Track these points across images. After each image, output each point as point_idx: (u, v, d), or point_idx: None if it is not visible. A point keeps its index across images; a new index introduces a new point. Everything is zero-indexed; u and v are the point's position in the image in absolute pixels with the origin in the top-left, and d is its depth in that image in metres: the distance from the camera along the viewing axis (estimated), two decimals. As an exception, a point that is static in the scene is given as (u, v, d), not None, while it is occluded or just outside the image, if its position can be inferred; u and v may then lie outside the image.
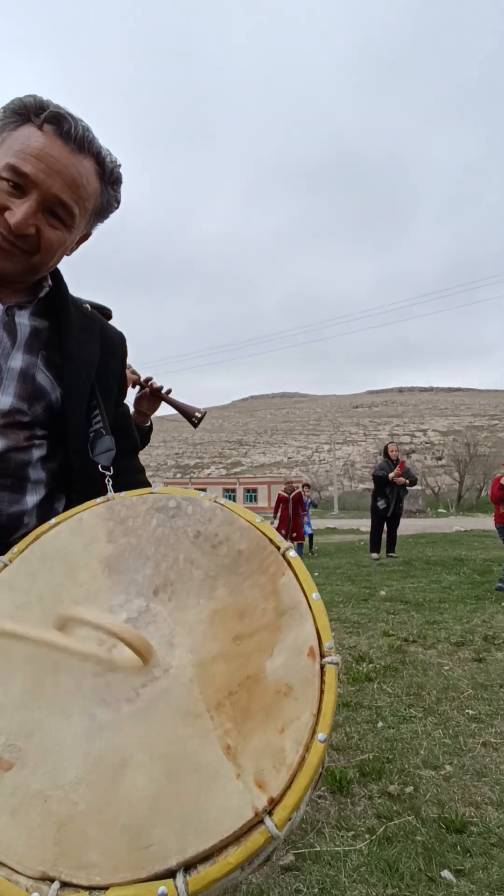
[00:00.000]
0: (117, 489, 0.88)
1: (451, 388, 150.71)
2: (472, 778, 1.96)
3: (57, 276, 0.97)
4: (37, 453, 0.93)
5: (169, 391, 1.84)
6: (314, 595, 0.64)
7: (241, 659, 0.62)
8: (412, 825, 1.69)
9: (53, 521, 0.80)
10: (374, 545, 7.78)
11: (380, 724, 2.40)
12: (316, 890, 1.40)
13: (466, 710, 2.50)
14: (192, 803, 0.53)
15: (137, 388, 1.82)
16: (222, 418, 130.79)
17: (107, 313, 1.80)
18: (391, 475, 7.29)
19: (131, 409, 1.86)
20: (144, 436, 1.89)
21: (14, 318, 0.90)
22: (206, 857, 0.50)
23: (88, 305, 1.07)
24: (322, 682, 0.57)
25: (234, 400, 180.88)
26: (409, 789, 1.89)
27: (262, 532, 0.71)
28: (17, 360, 0.89)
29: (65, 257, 0.93)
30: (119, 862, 0.52)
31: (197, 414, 1.83)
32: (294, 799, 0.51)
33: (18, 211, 0.78)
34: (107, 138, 0.90)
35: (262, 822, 0.50)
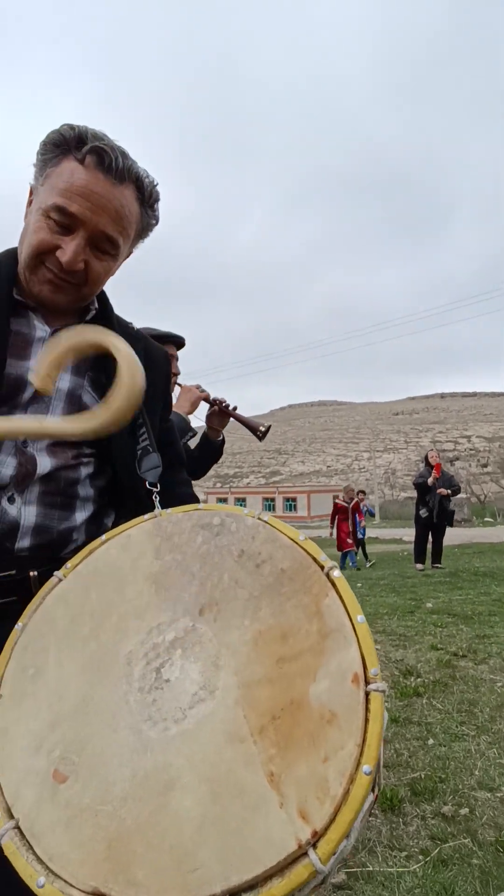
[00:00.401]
0: (165, 503, 0.90)
1: (495, 392, 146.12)
2: (531, 801, 1.89)
3: (102, 298, 1.01)
4: (85, 471, 0.96)
5: (235, 408, 2.01)
6: (359, 617, 0.62)
7: (284, 682, 0.62)
8: (468, 848, 1.63)
9: (104, 537, 0.83)
10: (419, 555, 7.60)
11: (430, 741, 2.34)
12: (369, 911, 1.38)
13: (523, 730, 2.40)
14: (237, 829, 0.53)
15: (208, 406, 1.95)
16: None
17: (179, 342, 1.93)
18: (429, 480, 7.17)
19: (203, 427, 1.97)
20: (218, 449, 2.02)
21: None
22: (249, 886, 0.51)
23: (131, 324, 1.12)
24: (367, 710, 0.56)
25: (273, 409, 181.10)
26: (465, 811, 1.83)
27: (305, 550, 0.70)
28: (65, 382, 0.94)
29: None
30: (167, 883, 0.53)
31: (261, 428, 2.01)
32: (339, 833, 0.51)
33: (68, 249, 0.82)
34: (140, 153, 0.93)
35: (305, 854, 0.50)
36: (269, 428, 2.07)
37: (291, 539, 0.72)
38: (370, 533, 27.46)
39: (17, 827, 0.60)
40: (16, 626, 0.76)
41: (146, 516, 0.83)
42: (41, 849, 0.58)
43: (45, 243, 0.84)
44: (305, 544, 0.71)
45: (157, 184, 0.93)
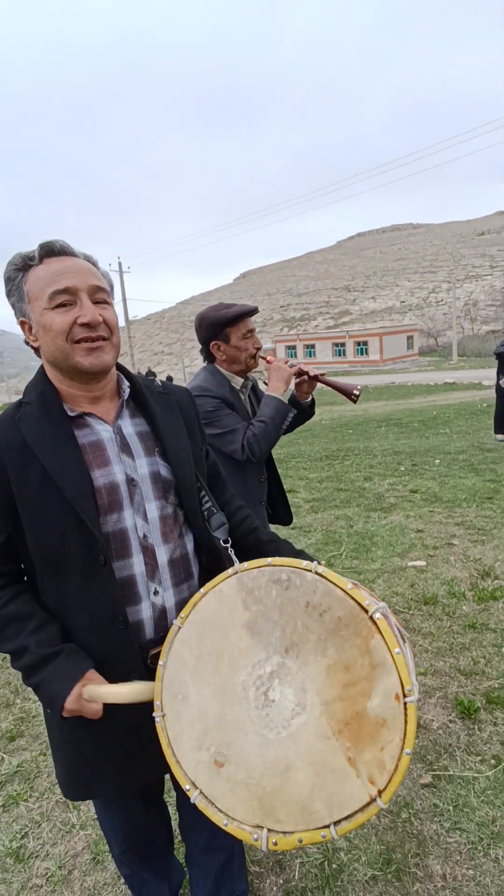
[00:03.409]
0: (231, 533, 1.19)
1: None
2: None
3: (129, 376, 1.17)
4: (189, 545, 1.19)
5: (324, 374, 2.03)
6: (396, 651, 0.93)
7: (350, 700, 0.95)
8: (534, 756, 2.01)
9: (202, 591, 1.08)
10: (499, 425, 7.50)
11: (504, 648, 2.68)
12: (451, 807, 1.81)
13: None
14: (333, 790, 0.93)
15: (297, 376, 2.01)
16: (327, 263, 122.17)
17: (252, 312, 1.99)
18: None
19: (292, 393, 2.04)
20: (308, 409, 2.10)
21: (123, 432, 1.10)
22: (345, 818, 0.92)
23: (159, 382, 1.25)
24: (405, 716, 0.90)
25: (340, 240, 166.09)
26: (533, 720, 2.20)
27: (354, 600, 0.97)
28: (144, 467, 1.11)
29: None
30: (298, 820, 0.95)
31: (355, 392, 2.03)
32: (393, 789, 0.91)
33: (85, 310, 1.01)
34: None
35: (374, 801, 0.91)
36: (361, 390, 2.06)
37: (343, 591, 0.98)
38: (447, 377, 26.60)
39: (202, 793, 1.01)
40: (159, 664, 1.07)
41: (229, 571, 1.06)
42: (220, 805, 1.00)
43: (66, 323, 1.00)
44: (353, 593, 0.97)
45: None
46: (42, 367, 1.10)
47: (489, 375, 22.68)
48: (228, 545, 1.15)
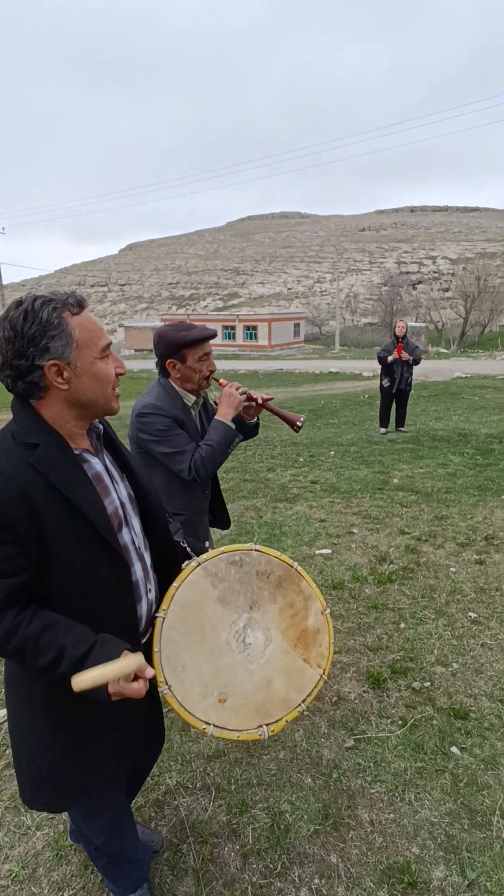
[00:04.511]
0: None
1: (467, 207, 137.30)
2: (472, 674, 2.71)
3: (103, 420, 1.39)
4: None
5: (271, 399, 2.20)
6: (314, 585, 1.55)
7: (297, 625, 1.51)
8: (430, 714, 2.44)
9: (175, 584, 1.41)
10: (384, 420, 8.30)
11: (402, 625, 3.13)
12: (371, 764, 2.16)
13: (469, 613, 3.22)
14: (299, 681, 1.48)
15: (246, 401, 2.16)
16: (217, 243, 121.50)
17: (211, 337, 2.15)
18: (389, 358, 7.60)
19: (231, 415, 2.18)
20: (253, 429, 2.30)
21: (106, 463, 1.30)
22: (308, 694, 1.50)
23: None
24: (328, 622, 1.55)
25: (230, 221, 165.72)
26: (427, 684, 2.64)
27: (284, 562, 1.53)
28: (124, 491, 1.34)
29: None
30: (282, 709, 1.45)
31: (298, 423, 2.20)
32: (328, 667, 1.53)
33: (119, 363, 1.20)
34: None
35: (322, 676, 1.51)
36: (304, 421, 2.23)
37: (276, 557, 1.53)
38: (331, 366, 28.21)
39: (215, 725, 1.36)
40: (154, 651, 1.34)
41: (192, 564, 1.43)
42: (230, 727, 1.38)
43: (112, 372, 1.17)
44: (283, 557, 1.54)
45: None
46: (30, 410, 1.12)
47: (368, 367, 24.52)
48: (185, 545, 1.49)
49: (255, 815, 1.93)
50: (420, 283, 73.35)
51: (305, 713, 2.44)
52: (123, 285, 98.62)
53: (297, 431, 2.24)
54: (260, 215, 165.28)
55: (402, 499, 5.17)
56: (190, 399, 2.10)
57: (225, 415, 2.04)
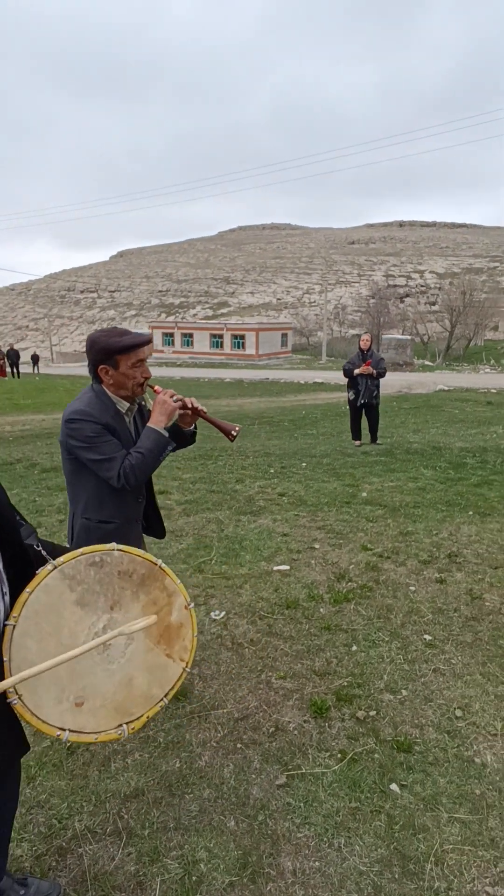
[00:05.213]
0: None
1: (454, 223, 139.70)
2: (421, 702, 2.57)
3: None
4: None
5: (205, 411, 2.20)
6: (178, 581, 1.56)
7: (162, 621, 1.50)
8: (371, 746, 2.29)
9: (28, 590, 1.32)
10: (355, 433, 8.22)
11: (354, 647, 2.99)
12: (301, 804, 2.00)
13: (424, 636, 3.09)
14: (161, 677, 1.51)
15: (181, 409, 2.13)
16: (208, 252, 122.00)
17: (147, 342, 2.12)
18: (355, 371, 7.55)
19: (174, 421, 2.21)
20: (191, 438, 2.27)
21: None
22: (171, 688, 1.54)
23: None
24: (191, 615, 1.59)
25: (221, 231, 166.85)
26: (373, 713, 2.49)
27: (148, 560, 1.51)
28: None
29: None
30: (144, 706, 1.47)
31: (233, 432, 2.19)
32: (191, 659, 1.59)
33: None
34: None
35: (185, 670, 1.57)
36: (239, 430, 2.22)
37: (141, 556, 1.51)
38: (317, 377, 28.25)
39: (71, 731, 1.35)
40: (3, 660, 1.27)
41: (48, 567, 1.35)
42: (88, 730, 1.38)
43: None
44: (146, 556, 1.52)
45: None
46: None
47: (353, 378, 24.61)
48: (41, 548, 1.43)
49: (166, 865, 1.76)
50: (408, 296, 74.11)
51: (239, 746, 2.29)
52: (113, 292, 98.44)
53: (232, 441, 2.22)
54: (251, 226, 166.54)
55: (368, 513, 5.04)
56: (123, 405, 2.05)
57: (158, 422, 1.98)
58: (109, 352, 1.92)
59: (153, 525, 2.39)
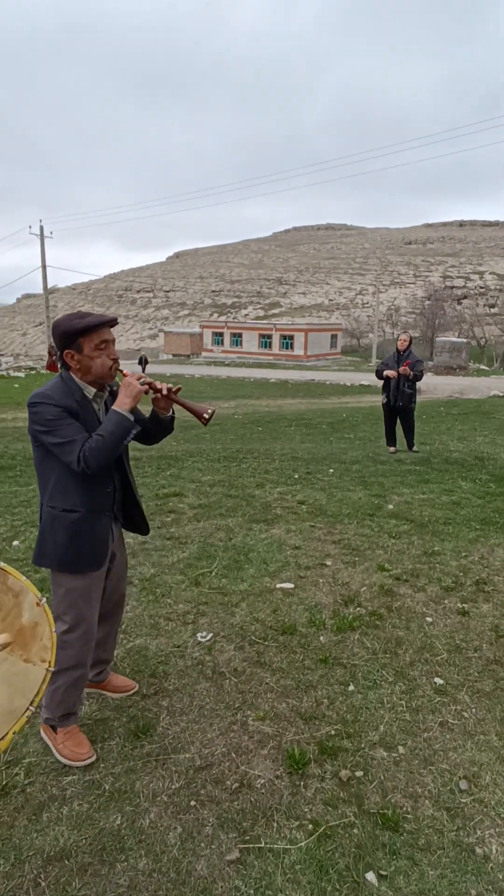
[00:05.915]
0: None
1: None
2: (419, 764, 2.16)
3: None
4: None
5: (178, 390, 2.07)
6: (24, 579, 1.40)
7: (10, 625, 1.36)
8: (351, 819, 1.91)
9: None
10: (389, 439, 7.69)
11: (351, 687, 2.60)
12: (252, 890, 1.66)
13: (435, 679, 2.66)
14: (23, 685, 1.33)
15: (151, 391, 2.02)
16: (262, 253, 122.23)
17: (112, 324, 2.02)
18: (386, 372, 7.06)
19: (152, 410, 2.12)
20: (169, 425, 2.18)
21: None
22: (35, 694, 1.35)
23: None
24: (45, 612, 1.42)
25: (276, 232, 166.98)
26: (359, 773, 2.10)
27: None
28: None
29: None
30: (8, 721, 1.28)
31: (205, 415, 2.04)
32: (54, 656, 1.40)
33: None
34: None
35: (48, 670, 1.38)
36: (213, 413, 2.08)
37: None
38: (361, 379, 27.46)
39: None
40: None
41: None
42: None
43: None
44: None
45: None
46: None
47: (401, 381, 23.70)
48: None
49: None
50: (465, 297, 71.29)
51: (193, 803, 1.97)
52: (168, 291, 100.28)
53: (205, 424, 2.10)
54: (306, 226, 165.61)
55: (392, 528, 4.59)
56: (90, 391, 2.00)
57: (122, 405, 1.91)
58: (71, 334, 1.89)
59: (134, 520, 2.26)
